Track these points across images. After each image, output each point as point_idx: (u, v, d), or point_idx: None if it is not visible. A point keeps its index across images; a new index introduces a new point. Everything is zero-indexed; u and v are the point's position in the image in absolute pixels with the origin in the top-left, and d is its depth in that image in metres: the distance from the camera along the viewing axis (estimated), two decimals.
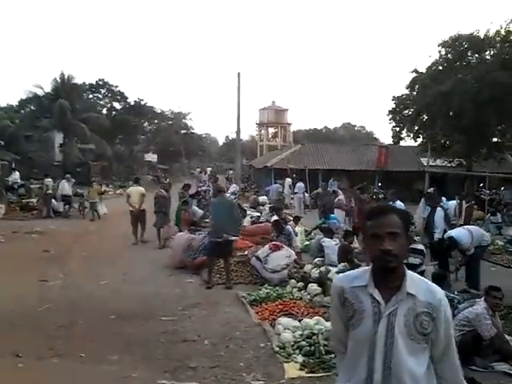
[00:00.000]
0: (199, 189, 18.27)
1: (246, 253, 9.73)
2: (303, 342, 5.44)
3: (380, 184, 27.46)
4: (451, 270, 8.74)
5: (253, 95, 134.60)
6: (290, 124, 56.85)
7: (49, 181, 18.31)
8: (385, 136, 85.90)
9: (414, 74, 26.09)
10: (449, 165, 26.30)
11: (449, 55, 24.50)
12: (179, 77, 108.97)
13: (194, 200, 15.52)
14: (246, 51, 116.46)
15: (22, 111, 40.12)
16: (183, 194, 14.34)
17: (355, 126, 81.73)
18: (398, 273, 1.93)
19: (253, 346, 5.61)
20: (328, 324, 6.03)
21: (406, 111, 27.42)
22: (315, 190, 18.49)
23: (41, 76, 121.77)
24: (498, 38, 22.76)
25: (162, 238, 12.42)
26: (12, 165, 28.60)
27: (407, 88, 26.87)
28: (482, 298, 5.53)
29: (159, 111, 55.10)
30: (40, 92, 35.76)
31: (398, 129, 28.12)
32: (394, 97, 28.08)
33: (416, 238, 9.10)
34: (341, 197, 15.15)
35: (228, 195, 15.75)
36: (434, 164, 26.33)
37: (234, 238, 8.81)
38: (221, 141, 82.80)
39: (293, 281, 8.38)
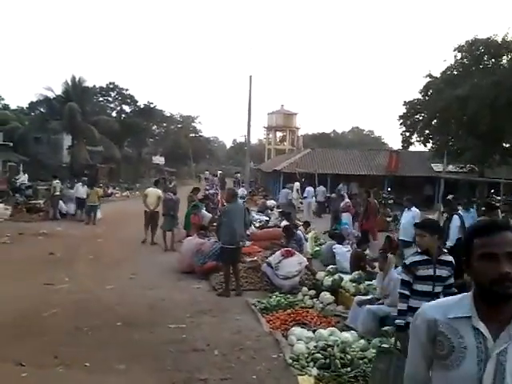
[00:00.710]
0: (207, 192, 18.01)
1: (255, 258, 9.52)
2: (318, 354, 5.19)
3: (389, 189, 27.19)
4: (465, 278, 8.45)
5: (261, 99, 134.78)
6: (298, 128, 56.75)
7: (57, 182, 18.15)
8: (393, 141, 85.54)
9: (428, 79, 25.65)
10: (460, 170, 25.93)
11: (465, 60, 24.04)
12: (188, 80, 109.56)
13: (203, 204, 15.34)
14: (255, 55, 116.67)
15: (32, 113, 40.33)
16: (192, 197, 14.25)
17: (364, 130, 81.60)
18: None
19: (265, 357, 5.37)
20: (343, 335, 5.80)
21: (417, 116, 27.09)
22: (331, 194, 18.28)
23: (52, 79, 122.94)
24: None
25: (171, 241, 12.31)
26: (20, 166, 28.66)
27: (420, 92, 26.44)
28: None
29: (168, 114, 55.30)
30: (51, 95, 36.06)
31: (408, 134, 27.82)
32: (405, 102, 27.73)
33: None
34: (347, 200, 15.01)
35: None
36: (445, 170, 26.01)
37: (246, 243, 8.60)
38: (228, 144, 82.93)
39: (304, 288, 8.18)
